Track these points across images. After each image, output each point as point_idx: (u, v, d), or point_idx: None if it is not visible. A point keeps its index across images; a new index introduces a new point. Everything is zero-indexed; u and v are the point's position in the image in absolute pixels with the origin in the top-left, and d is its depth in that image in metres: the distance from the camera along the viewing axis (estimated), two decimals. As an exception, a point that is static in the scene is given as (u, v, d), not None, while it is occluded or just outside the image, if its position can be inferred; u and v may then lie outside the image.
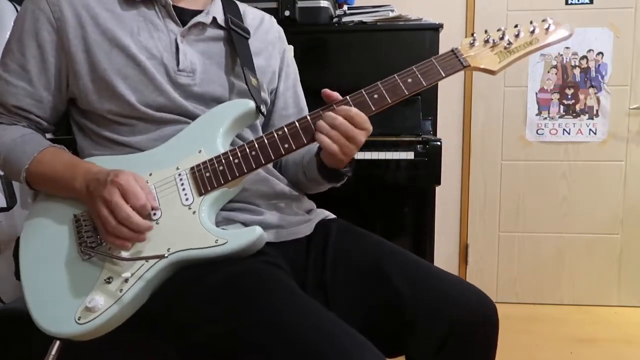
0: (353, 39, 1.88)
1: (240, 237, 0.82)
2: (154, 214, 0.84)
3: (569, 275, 2.56)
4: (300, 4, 1.89)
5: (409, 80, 0.88)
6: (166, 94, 0.92)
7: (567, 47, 2.46)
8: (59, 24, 0.91)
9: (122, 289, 0.80)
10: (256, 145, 0.87)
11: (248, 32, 1.04)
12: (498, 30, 0.89)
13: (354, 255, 0.93)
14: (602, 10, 2.42)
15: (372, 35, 1.88)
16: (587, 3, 2.43)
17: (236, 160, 0.87)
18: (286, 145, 0.87)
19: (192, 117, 0.94)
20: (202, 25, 0.98)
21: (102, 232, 0.82)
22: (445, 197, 2.54)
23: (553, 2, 2.45)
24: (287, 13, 1.88)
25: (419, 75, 0.88)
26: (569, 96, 2.49)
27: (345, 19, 1.95)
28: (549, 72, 2.48)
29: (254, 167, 0.87)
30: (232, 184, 0.87)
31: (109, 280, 0.81)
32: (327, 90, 0.88)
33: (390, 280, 0.86)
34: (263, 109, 0.98)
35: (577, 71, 2.47)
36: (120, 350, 0.91)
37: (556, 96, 2.49)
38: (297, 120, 0.88)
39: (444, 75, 0.88)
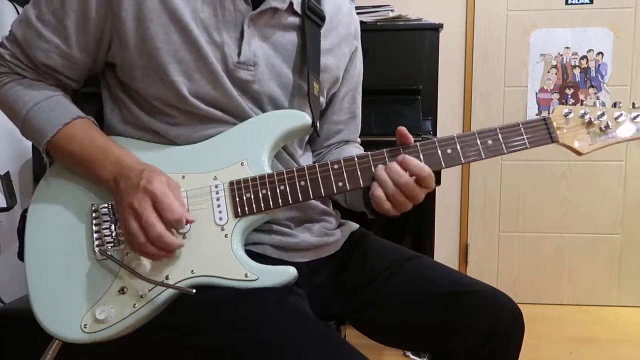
0: (353, 39, 1.88)
1: (272, 277, 0.76)
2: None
3: (569, 275, 2.56)
4: (300, 4, 1.88)
5: (489, 141, 0.78)
6: (223, 87, 0.81)
7: (567, 47, 2.46)
8: None
9: (136, 305, 0.75)
10: (307, 176, 0.78)
11: (323, 20, 0.90)
12: (596, 104, 0.81)
13: (395, 263, 0.91)
14: (602, 10, 2.42)
15: (372, 35, 1.88)
16: (587, 3, 2.43)
17: (282, 187, 0.78)
18: (340, 184, 0.78)
19: (246, 119, 0.84)
20: (276, 10, 0.85)
21: (128, 242, 0.75)
22: (445, 197, 2.53)
23: (553, 2, 2.45)
24: (287, 13, 1.87)
25: (502, 141, 0.78)
26: (569, 96, 2.48)
27: (345, 19, 1.94)
28: (548, 72, 2.48)
29: (300, 199, 0.78)
30: (271, 211, 0.79)
31: (123, 291, 0.76)
32: (403, 130, 0.78)
33: (436, 283, 0.86)
34: (318, 125, 0.88)
35: (577, 71, 2.47)
36: (122, 347, 0.90)
37: (556, 96, 2.49)
38: (358, 157, 0.78)
39: (528, 147, 0.79)
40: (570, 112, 0.80)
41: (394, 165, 0.75)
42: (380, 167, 0.77)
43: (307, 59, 0.86)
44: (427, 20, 1.90)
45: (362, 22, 1.90)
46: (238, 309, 0.73)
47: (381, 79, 1.83)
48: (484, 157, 0.78)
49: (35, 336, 0.81)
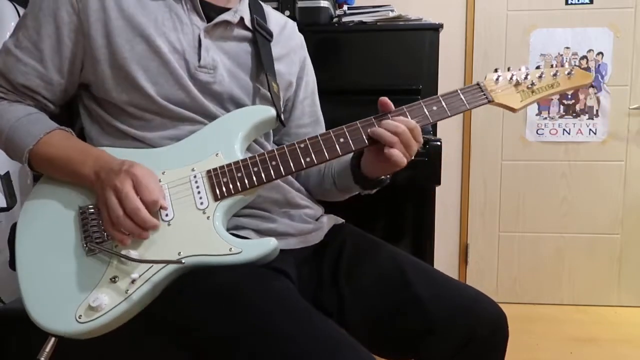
0: (353, 39, 1.88)
1: (254, 248, 0.80)
2: (166, 215, 0.82)
3: (569, 275, 2.56)
4: (300, 4, 1.89)
5: (434, 108, 0.89)
6: (186, 89, 0.89)
7: (567, 47, 2.46)
8: (80, 5, 0.87)
9: (128, 290, 0.77)
10: (277, 156, 0.86)
11: (271, 35, 1.02)
12: (521, 69, 0.93)
13: (372, 260, 0.94)
14: (602, 10, 2.42)
15: (372, 35, 1.88)
16: (587, 3, 2.43)
17: (255, 169, 0.85)
18: (308, 159, 0.85)
19: (211, 117, 0.91)
20: (228, 24, 0.95)
21: (106, 221, 0.79)
22: (445, 197, 2.54)
23: (553, 2, 2.45)
24: (287, 13, 1.87)
25: (444, 105, 0.89)
26: (569, 96, 2.49)
27: (345, 19, 1.94)
28: (549, 72, 2.48)
29: (273, 177, 0.85)
30: (249, 192, 0.85)
31: (114, 280, 0.78)
32: (385, 100, 0.88)
33: (411, 285, 0.87)
34: (283, 117, 0.96)
35: (577, 71, 2.46)
36: (118, 345, 0.90)
37: (556, 96, 2.49)
38: (321, 135, 0.87)
39: (468, 107, 0.90)
40: (499, 77, 0.92)
41: (388, 121, 0.85)
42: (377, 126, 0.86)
43: (262, 64, 0.96)
44: (427, 20, 1.90)
45: (362, 22, 1.91)
46: (232, 301, 0.75)
47: (381, 79, 1.83)
48: (431, 120, 0.89)
49: (35, 336, 0.81)
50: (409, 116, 0.88)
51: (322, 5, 1.89)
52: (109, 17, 0.87)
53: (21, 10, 1.88)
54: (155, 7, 0.90)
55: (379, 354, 0.92)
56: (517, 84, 0.92)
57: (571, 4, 2.44)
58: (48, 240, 0.83)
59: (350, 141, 0.87)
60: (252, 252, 0.79)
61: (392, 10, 1.94)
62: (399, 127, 0.84)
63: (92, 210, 0.84)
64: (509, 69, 0.93)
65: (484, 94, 0.90)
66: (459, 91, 0.90)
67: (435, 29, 1.84)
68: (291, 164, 0.85)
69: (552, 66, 0.93)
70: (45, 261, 0.82)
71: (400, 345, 0.87)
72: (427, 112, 0.88)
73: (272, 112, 0.93)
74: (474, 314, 0.83)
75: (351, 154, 0.94)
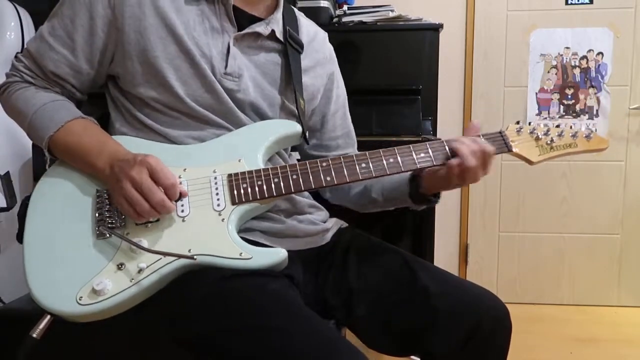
0: (353, 39, 1.88)
1: (265, 257, 0.81)
2: (182, 211, 0.83)
3: (569, 275, 2.56)
4: (300, 4, 1.89)
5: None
6: (216, 93, 0.90)
7: (567, 47, 2.46)
8: (116, 0, 0.88)
9: (134, 279, 0.78)
10: (298, 170, 0.87)
11: (302, 47, 1.02)
12: (540, 125, 0.94)
13: (380, 258, 0.96)
14: (602, 10, 2.42)
15: (372, 35, 1.88)
16: (587, 3, 2.43)
17: (275, 180, 0.86)
18: (328, 178, 0.87)
19: (238, 123, 0.92)
20: (258, 36, 0.96)
21: (129, 213, 0.79)
22: (445, 197, 2.52)
23: (553, 2, 2.45)
24: (287, 13, 1.88)
25: None
26: (569, 96, 2.48)
27: (345, 19, 1.94)
28: (548, 72, 2.48)
29: (292, 190, 0.86)
30: (266, 201, 0.86)
31: (121, 267, 0.79)
32: (477, 123, 0.92)
33: (418, 280, 0.89)
34: (307, 135, 0.98)
35: (577, 71, 2.47)
36: (117, 341, 0.90)
37: (556, 96, 2.49)
38: (344, 157, 0.88)
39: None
40: (521, 129, 0.94)
41: (482, 142, 0.87)
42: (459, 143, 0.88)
43: (291, 78, 0.97)
44: (427, 20, 1.90)
45: (362, 22, 1.91)
46: (230, 299, 0.75)
47: (381, 79, 1.83)
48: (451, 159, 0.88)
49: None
50: (429, 149, 0.89)
51: (322, 5, 1.90)
52: (144, 13, 0.88)
53: (21, 11, 1.89)
54: (188, 10, 0.91)
55: (383, 350, 0.93)
56: (538, 138, 0.93)
57: (571, 4, 2.44)
58: (60, 218, 0.84)
59: (372, 168, 0.88)
60: (261, 260, 0.80)
61: (392, 10, 1.94)
62: (478, 152, 0.87)
63: (110, 194, 0.84)
64: (529, 124, 0.94)
65: (505, 143, 0.92)
66: (481, 136, 0.91)
67: (435, 29, 1.84)
68: (311, 181, 0.86)
69: (571, 127, 0.94)
70: (53, 238, 0.82)
71: (405, 339, 0.88)
72: (448, 151, 0.89)
73: (298, 128, 0.94)
74: (477, 309, 0.85)
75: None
